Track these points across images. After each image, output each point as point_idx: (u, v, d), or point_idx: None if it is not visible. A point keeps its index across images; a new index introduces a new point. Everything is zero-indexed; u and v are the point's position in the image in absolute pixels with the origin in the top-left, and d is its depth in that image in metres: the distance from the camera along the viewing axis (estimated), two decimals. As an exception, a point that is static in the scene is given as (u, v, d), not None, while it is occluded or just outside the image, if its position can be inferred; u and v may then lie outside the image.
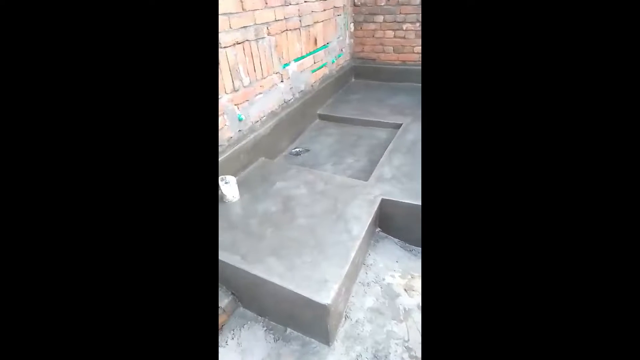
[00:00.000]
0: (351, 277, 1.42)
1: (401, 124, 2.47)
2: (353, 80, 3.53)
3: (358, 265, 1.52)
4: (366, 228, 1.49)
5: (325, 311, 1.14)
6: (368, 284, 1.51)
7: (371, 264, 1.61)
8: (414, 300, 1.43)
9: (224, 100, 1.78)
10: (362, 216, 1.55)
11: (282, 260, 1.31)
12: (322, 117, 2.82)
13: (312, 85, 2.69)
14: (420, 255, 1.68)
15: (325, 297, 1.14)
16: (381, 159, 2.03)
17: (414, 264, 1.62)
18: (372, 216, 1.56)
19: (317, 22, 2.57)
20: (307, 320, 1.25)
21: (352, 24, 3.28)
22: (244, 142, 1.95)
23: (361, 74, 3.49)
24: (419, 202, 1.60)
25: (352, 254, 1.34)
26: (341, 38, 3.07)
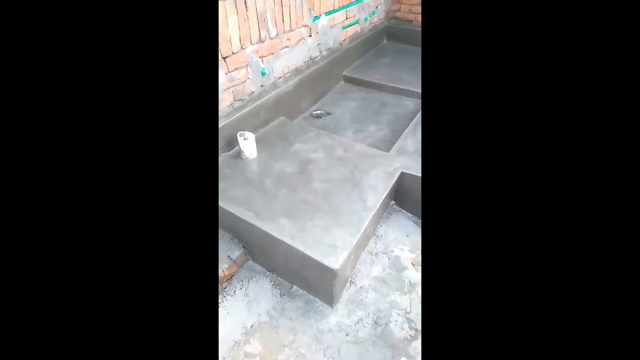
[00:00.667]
0: (361, 246, 1.42)
1: (431, 95, 2.32)
2: (385, 41, 3.28)
3: (369, 235, 1.52)
4: (382, 200, 1.46)
5: (333, 275, 1.16)
6: (376, 254, 1.52)
7: (381, 235, 1.61)
8: (420, 275, 1.44)
9: (249, 51, 1.69)
10: (378, 187, 1.51)
11: (294, 222, 1.32)
12: (348, 80, 2.68)
13: (340, 43, 2.52)
14: (432, 232, 1.66)
15: (333, 261, 1.15)
16: (405, 131, 1.94)
17: (425, 241, 1.61)
18: (389, 189, 1.52)
19: (355, -30, 2.33)
20: (314, 280, 1.29)
21: (392, -24, 2.97)
22: (265, 98, 1.88)
23: (394, 35, 3.23)
24: (440, 180, 1.55)
25: (365, 224, 1.33)
26: (378, -8, 2.80)
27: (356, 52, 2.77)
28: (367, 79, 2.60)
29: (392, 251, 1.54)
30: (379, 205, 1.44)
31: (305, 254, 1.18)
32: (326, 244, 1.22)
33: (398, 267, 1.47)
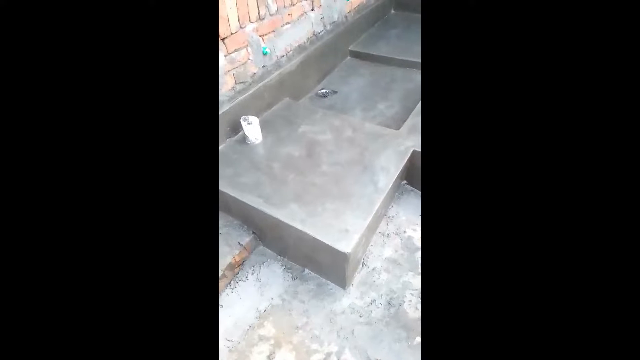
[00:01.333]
0: (372, 228, 1.40)
1: (443, 67, 2.19)
2: (393, 11, 3.09)
3: (380, 216, 1.49)
4: (393, 182, 1.41)
5: (344, 258, 1.15)
6: (388, 235, 1.50)
7: (393, 216, 1.58)
8: (434, 255, 1.41)
9: (249, 30, 1.61)
10: (390, 168, 1.46)
11: (304, 206, 1.30)
12: (354, 55, 2.55)
13: (345, 16, 2.38)
14: (445, 212, 1.61)
15: (345, 245, 1.14)
16: (417, 107, 1.85)
17: (438, 220, 1.57)
18: (400, 169, 1.47)
19: None
20: (326, 264, 1.28)
21: (400, -63, 2.74)
22: (268, 79, 1.82)
23: (403, 4, 3.03)
24: (454, 157, 1.48)
25: (376, 207, 1.30)
26: (385, -44, 2.60)
27: (363, 24, 2.62)
28: (375, 53, 2.47)
29: (405, 232, 1.51)
30: (390, 187, 1.39)
31: (317, 239, 1.17)
32: (337, 228, 1.20)
33: (411, 248, 1.45)
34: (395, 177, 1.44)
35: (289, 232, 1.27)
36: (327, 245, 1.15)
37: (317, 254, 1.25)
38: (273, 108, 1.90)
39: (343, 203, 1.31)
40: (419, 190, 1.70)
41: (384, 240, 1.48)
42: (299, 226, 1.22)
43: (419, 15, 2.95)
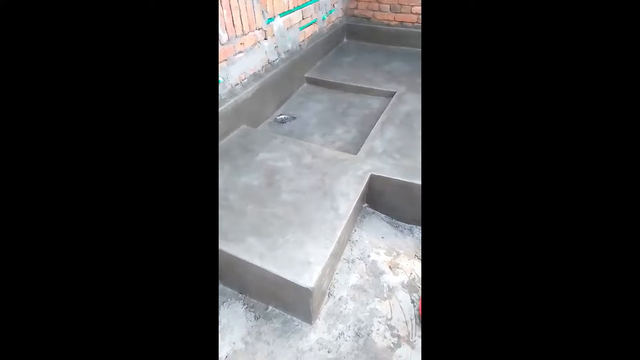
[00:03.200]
0: (336, 255, 1.37)
1: (395, 92, 2.32)
2: (345, 40, 3.26)
3: (343, 242, 1.48)
4: (354, 206, 1.42)
5: (308, 293, 1.10)
6: (353, 261, 1.48)
7: (357, 240, 1.58)
8: (398, 278, 1.41)
9: (200, 59, 1.57)
10: (350, 193, 1.47)
11: (264, 239, 1.24)
12: (311, 81, 2.62)
13: (299, 45, 2.45)
14: (407, 232, 1.65)
15: (308, 280, 1.09)
16: (372, 131, 1.91)
17: (400, 241, 1.60)
18: (360, 193, 1.49)
19: (308, -31, 2.27)
20: (290, 299, 1.22)
21: (347, -26, 2.95)
22: (222, 107, 1.78)
23: (354, 33, 3.22)
24: (410, 180, 1.54)
25: (338, 234, 1.28)
26: (334, -9, 2.76)
27: (317, 52, 2.72)
28: (331, 80, 2.55)
29: (369, 256, 1.50)
30: (351, 212, 1.39)
31: (278, 275, 1.11)
32: (299, 261, 1.16)
33: (375, 272, 1.44)
34: (356, 202, 1.44)
35: (248, 269, 1.20)
36: (289, 281, 1.09)
37: (280, 290, 1.19)
38: (230, 136, 1.84)
39: (305, 233, 1.27)
40: (380, 212, 1.73)
41: (349, 266, 1.46)
42: (258, 263, 1.15)
43: (370, 44, 3.15)
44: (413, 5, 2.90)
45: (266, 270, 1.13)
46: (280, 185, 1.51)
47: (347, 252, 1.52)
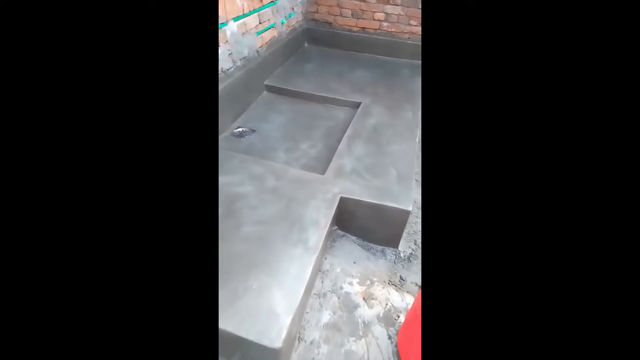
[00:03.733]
0: (306, 292, 1.24)
1: (360, 103, 2.25)
2: (306, 45, 3.13)
3: (314, 275, 1.35)
4: (324, 236, 1.30)
5: (275, 354, 0.95)
6: (324, 295, 1.36)
7: (327, 270, 1.46)
8: (373, 310, 1.33)
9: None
10: (319, 220, 1.35)
11: (223, 288, 1.07)
12: (271, 90, 2.45)
13: (257, 51, 2.27)
14: (379, 254, 1.57)
15: (275, 338, 0.95)
16: (339, 147, 1.81)
17: (373, 266, 1.52)
18: (330, 220, 1.37)
19: (265, -31, 2.09)
20: (255, 355, 1.06)
21: (306, -24, 2.81)
22: (171, 124, 1.54)
23: (315, 38, 3.10)
24: (382, 202, 1.46)
25: (309, 272, 1.15)
26: (293, -6, 2.61)
27: (277, 58, 2.55)
28: (294, 89, 2.41)
29: (341, 288, 1.40)
30: (322, 242, 1.27)
31: (239, 336, 0.95)
32: (264, 313, 1.01)
33: (349, 306, 1.34)
34: (326, 231, 1.32)
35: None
36: (253, 342, 0.94)
37: (243, 348, 1.02)
38: (180, 156, 1.61)
39: (270, 276, 1.12)
40: (351, 234, 1.63)
41: (320, 302, 1.34)
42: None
43: (332, 50, 3.06)
44: (375, 12, 2.86)
45: (225, 331, 0.96)
46: (242, 216, 1.34)
47: (317, 285, 1.39)
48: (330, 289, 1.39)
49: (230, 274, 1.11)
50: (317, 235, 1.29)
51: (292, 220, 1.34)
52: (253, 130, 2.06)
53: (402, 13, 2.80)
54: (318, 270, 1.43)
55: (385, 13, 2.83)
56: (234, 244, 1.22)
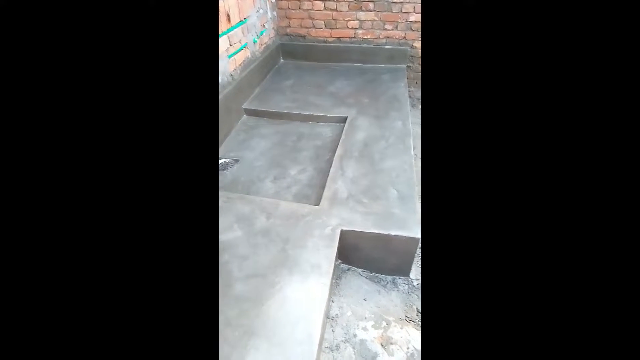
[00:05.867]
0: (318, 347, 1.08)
1: (346, 117, 2.12)
2: (282, 61, 3.00)
3: (323, 325, 1.19)
4: (329, 283, 1.14)
5: None
6: (337, 347, 1.20)
7: (337, 315, 1.30)
8: (395, 358, 1.17)
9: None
10: (321, 264, 1.19)
11: (218, 371, 0.89)
12: (250, 113, 2.30)
13: (231, 75, 2.12)
14: (391, 286, 1.42)
15: None
16: (331, 169, 1.67)
17: (386, 300, 1.36)
18: (333, 260, 1.22)
19: (228, -11, 1.95)
20: None
21: (273, -9, 2.69)
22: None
23: (290, 53, 2.97)
24: (387, 231, 1.31)
25: (318, 333, 0.99)
26: (261, 11, 2.48)
27: (253, 79, 2.40)
28: (274, 110, 2.26)
29: (355, 335, 1.24)
30: (327, 291, 1.11)
31: None
32: (272, 397, 0.84)
33: (367, 356, 1.18)
34: (331, 274, 1.17)
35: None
36: None
37: None
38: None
39: (272, 344, 0.95)
40: (356, 267, 1.48)
41: (334, 356, 1.17)
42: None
43: (309, 63, 2.94)
44: (348, 20, 2.76)
45: None
46: (231, 270, 1.17)
47: (328, 335, 1.23)
48: (342, 339, 1.22)
49: (224, 346, 0.93)
50: (321, 282, 1.13)
51: (289, 267, 1.17)
52: (236, 161, 1.90)
53: (376, 18, 2.71)
54: (326, 316, 1.27)
55: (359, 20, 2.74)
56: (225, 309, 1.05)
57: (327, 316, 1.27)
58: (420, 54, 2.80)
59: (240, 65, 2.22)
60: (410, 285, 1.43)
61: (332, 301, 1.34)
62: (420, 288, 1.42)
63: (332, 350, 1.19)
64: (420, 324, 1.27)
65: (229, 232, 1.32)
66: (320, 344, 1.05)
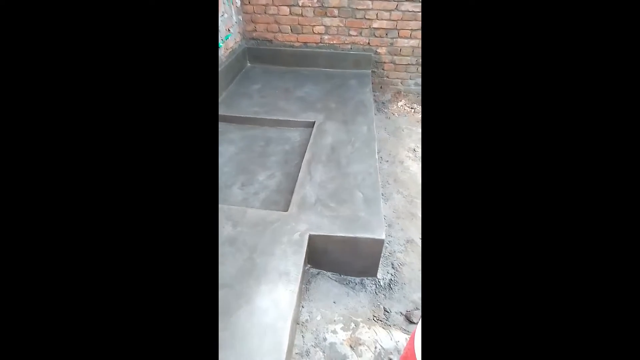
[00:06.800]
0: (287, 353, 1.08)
1: (314, 122, 2.14)
2: (249, 65, 2.96)
3: (292, 332, 1.19)
4: (297, 290, 1.15)
5: None
6: (307, 353, 1.21)
7: (307, 320, 1.31)
8: (363, 359, 1.20)
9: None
10: (290, 271, 1.20)
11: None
12: (218, 119, 2.24)
13: (195, 79, 2.06)
14: (359, 287, 1.46)
15: None
16: (300, 174, 1.68)
17: (354, 302, 1.40)
18: (302, 265, 1.23)
19: (189, -9, 1.90)
20: None
21: (238, -6, 2.66)
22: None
23: (257, 57, 2.95)
24: (354, 234, 1.35)
25: (286, 343, 0.99)
26: (226, 15, 2.44)
27: (220, 83, 2.35)
28: (242, 115, 2.23)
29: (325, 339, 1.25)
30: (295, 300, 1.12)
31: None
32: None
33: (336, 359, 1.20)
34: (299, 281, 1.18)
35: None
36: None
37: None
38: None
39: (241, 357, 0.94)
40: (325, 270, 1.50)
41: (304, 362, 1.18)
42: None
43: (276, 67, 2.93)
44: (314, 25, 2.79)
45: None
46: (197, 282, 1.14)
47: (298, 342, 1.24)
48: (312, 343, 1.24)
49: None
50: (289, 291, 1.14)
51: (257, 276, 1.17)
52: (201, 168, 1.85)
53: (340, 24, 2.77)
54: (296, 322, 1.28)
55: (325, 26, 2.78)
56: (192, 322, 1.02)
57: (296, 322, 1.28)
58: (383, 60, 2.90)
59: (204, 69, 2.17)
60: (377, 285, 1.48)
61: (302, 306, 1.35)
62: (387, 287, 1.47)
63: (302, 356, 1.20)
64: (389, 325, 1.32)
65: (194, 242, 1.29)
66: (290, 352, 1.05)
